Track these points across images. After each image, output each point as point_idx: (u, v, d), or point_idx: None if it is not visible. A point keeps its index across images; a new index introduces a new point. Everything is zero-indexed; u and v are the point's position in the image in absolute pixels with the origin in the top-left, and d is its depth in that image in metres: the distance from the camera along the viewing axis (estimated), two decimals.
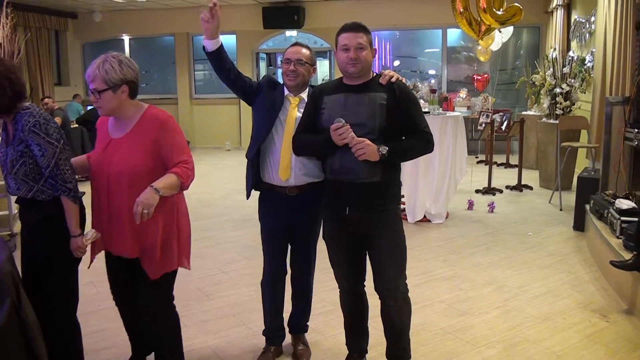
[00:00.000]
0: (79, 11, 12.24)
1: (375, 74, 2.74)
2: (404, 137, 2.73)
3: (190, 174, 2.56)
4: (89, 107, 9.95)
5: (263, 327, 3.30)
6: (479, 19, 6.93)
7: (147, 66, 13.06)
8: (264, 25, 11.52)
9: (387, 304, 2.81)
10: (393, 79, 2.72)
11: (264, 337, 3.29)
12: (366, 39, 2.64)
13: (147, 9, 11.96)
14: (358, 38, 2.61)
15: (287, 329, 3.33)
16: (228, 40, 12.32)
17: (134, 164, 2.51)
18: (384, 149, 2.56)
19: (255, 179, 3.06)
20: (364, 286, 2.94)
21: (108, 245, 2.71)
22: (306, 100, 2.98)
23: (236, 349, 3.34)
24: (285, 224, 3.08)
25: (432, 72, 11.98)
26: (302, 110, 2.94)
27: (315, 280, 3.29)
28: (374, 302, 2.93)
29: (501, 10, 6.76)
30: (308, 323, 3.36)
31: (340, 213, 2.72)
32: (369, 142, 2.54)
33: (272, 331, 3.26)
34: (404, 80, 2.84)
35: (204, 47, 2.90)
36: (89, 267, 2.77)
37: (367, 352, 3.08)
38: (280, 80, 3.13)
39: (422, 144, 2.71)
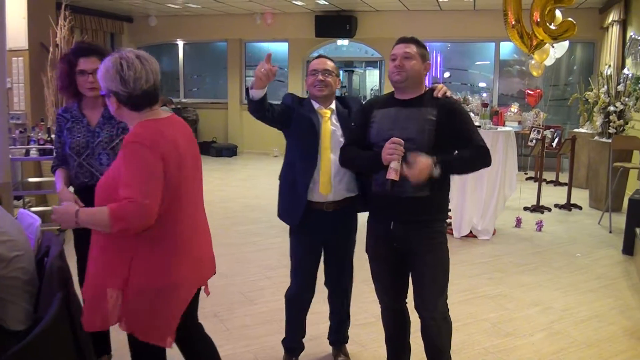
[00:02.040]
0: (135, 15, 12.62)
1: (427, 89, 2.74)
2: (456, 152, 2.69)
3: (130, 217, 1.98)
4: None
5: (311, 328, 3.35)
6: (531, 32, 6.84)
7: (200, 71, 13.35)
8: (316, 34, 11.62)
9: (426, 324, 2.79)
10: (448, 94, 2.72)
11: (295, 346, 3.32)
12: (416, 50, 2.64)
13: (201, 15, 12.23)
14: (406, 48, 2.63)
15: (327, 341, 3.37)
16: (280, 48, 12.50)
17: (101, 187, 2.18)
18: (437, 172, 2.48)
19: (298, 200, 2.99)
20: (406, 302, 2.93)
21: None
22: (336, 111, 3.03)
23: (277, 355, 3.36)
24: (321, 241, 3.09)
25: (482, 84, 11.87)
26: (336, 122, 2.98)
27: (357, 291, 3.31)
28: (415, 317, 2.90)
29: (554, 24, 6.66)
30: (348, 333, 3.38)
31: (385, 228, 2.71)
32: (421, 163, 2.45)
33: (293, 342, 3.28)
34: (452, 95, 2.83)
35: (247, 93, 2.84)
36: None
37: None
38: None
39: (478, 158, 2.65)
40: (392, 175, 2.46)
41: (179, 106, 12.06)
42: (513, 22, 6.44)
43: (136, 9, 11.81)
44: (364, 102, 2.98)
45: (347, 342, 3.39)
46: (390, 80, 2.71)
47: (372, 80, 16.36)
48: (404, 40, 2.67)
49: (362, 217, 2.97)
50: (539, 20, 6.51)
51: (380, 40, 11.65)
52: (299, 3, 10.67)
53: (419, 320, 2.84)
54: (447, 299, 2.80)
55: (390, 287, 2.87)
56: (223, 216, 6.91)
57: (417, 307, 2.78)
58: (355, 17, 11.50)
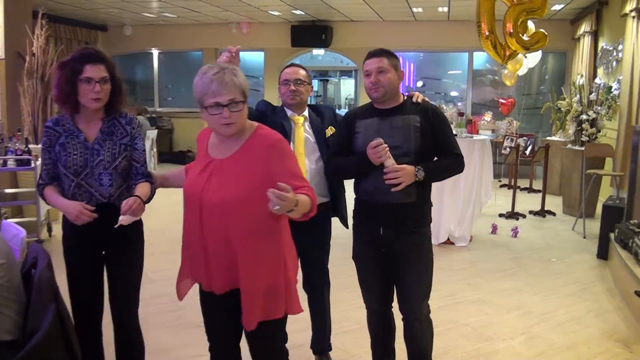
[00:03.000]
0: (110, 24, 12.52)
1: (405, 97, 2.81)
2: (436, 158, 2.79)
3: (315, 202, 2.19)
4: None
5: (295, 336, 3.34)
6: (504, 43, 6.98)
7: (175, 80, 13.29)
8: (292, 44, 11.68)
9: (410, 325, 2.84)
10: (426, 99, 2.81)
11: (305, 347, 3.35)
12: (388, 62, 2.69)
13: (176, 24, 12.20)
14: (378, 62, 2.67)
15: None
16: (256, 58, 12.54)
17: (240, 192, 2.13)
18: (421, 174, 2.61)
19: None
20: (392, 307, 2.97)
21: (203, 281, 2.31)
22: (309, 118, 3.10)
23: None
24: (297, 246, 3.13)
25: (454, 94, 12.06)
26: (309, 129, 3.06)
27: (339, 298, 3.34)
28: (398, 322, 2.96)
29: (526, 35, 6.81)
30: (331, 342, 3.39)
31: (374, 234, 2.76)
32: (407, 167, 2.58)
33: None
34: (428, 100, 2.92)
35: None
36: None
37: None
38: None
39: (455, 166, 2.80)
40: (393, 179, 2.57)
41: (153, 115, 11.98)
42: (486, 33, 6.56)
43: (111, 18, 11.73)
44: (346, 112, 3.03)
45: (330, 350, 3.40)
46: (368, 96, 2.77)
47: (346, 90, 16.50)
48: (375, 54, 2.71)
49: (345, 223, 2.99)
50: (511, 31, 6.65)
51: (356, 50, 11.75)
52: (275, 13, 10.72)
53: (401, 325, 2.89)
54: (429, 300, 2.86)
55: (378, 292, 2.91)
56: None
57: (402, 310, 2.83)
58: (331, 27, 11.60)
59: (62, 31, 11.05)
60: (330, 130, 3.13)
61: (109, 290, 2.73)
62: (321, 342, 3.36)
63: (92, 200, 2.55)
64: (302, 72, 3.11)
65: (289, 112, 3.11)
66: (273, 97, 12.15)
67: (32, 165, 5.54)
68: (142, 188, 2.59)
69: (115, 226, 2.36)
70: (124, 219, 2.37)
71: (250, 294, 2.16)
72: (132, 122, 2.68)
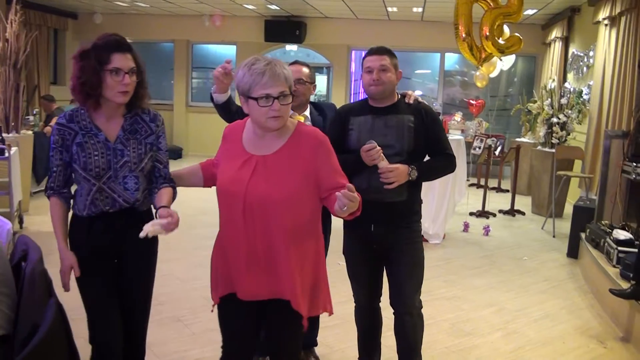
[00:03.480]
0: (80, 12, 12.24)
1: (400, 96, 2.86)
2: (427, 157, 2.85)
3: None
4: None
5: None
6: (480, 45, 7.12)
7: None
8: (265, 38, 11.64)
9: (402, 319, 2.89)
10: (419, 99, 2.86)
11: None
12: (390, 61, 2.74)
13: (148, 14, 12.01)
14: (381, 60, 2.72)
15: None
16: (228, 51, 12.45)
17: (289, 190, 2.11)
18: (415, 174, 2.67)
19: None
20: (380, 302, 3.02)
21: (239, 286, 2.20)
22: (310, 118, 3.09)
23: None
24: None
25: (418, 92, 12.18)
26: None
27: None
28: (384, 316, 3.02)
29: (502, 39, 6.96)
30: (317, 338, 3.43)
31: (365, 230, 2.80)
32: (401, 167, 2.63)
33: (260, 344, 3.32)
34: (423, 100, 2.96)
35: (211, 98, 2.86)
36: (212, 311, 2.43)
37: None
38: None
39: (447, 166, 2.87)
40: (388, 178, 2.62)
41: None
42: (464, 35, 6.67)
43: (82, 6, 11.47)
44: (340, 108, 3.04)
45: (316, 345, 3.43)
46: (367, 93, 2.81)
47: (319, 86, 16.53)
48: (377, 52, 2.76)
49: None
50: (487, 34, 6.79)
51: (329, 47, 11.81)
52: (250, 7, 10.67)
53: (386, 320, 2.96)
54: (420, 295, 2.91)
55: (367, 286, 2.96)
56: None
57: (394, 304, 2.88)
58: (305, 22, 11.59)
59: (32, 17, 10.74)
60: None
61: (122, 302, 2.46)
62: (307, 337, 3.37)
63: (114, 206, 2.32)
64: (305, 70, 3.07)
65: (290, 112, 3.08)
66: None
67: (6, 155, 5.41)
68: (167, 195, 2.37)
69: (141, 236, 2.14)
70: (152, 230, 2.15)
71: (297, 292, 2.14)
72: (157, 119, 2.45)
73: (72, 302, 2.32)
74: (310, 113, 3.11)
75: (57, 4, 11.23)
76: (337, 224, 3.20)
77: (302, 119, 3.04)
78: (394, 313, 2.91)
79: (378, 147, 2.60)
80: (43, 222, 6.43)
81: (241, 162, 2.16)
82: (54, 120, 7.97)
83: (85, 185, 2.29)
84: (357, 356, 3.15)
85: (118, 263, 2.43)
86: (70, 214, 2.38)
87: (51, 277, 2.28)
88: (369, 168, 2.67)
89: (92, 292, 2.36)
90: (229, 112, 2.90)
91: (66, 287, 2.28)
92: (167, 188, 2.40)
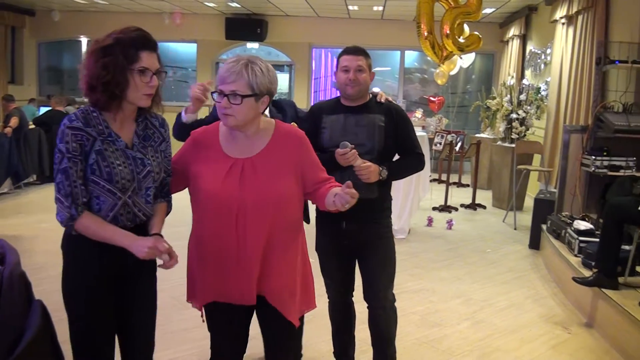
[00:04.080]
0: (38, 9, 11.92)
1: (371, 96, 2.91)
2: (398, 156, 2.92)
3: None
4: (43, 109, 9.73)
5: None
6: (441, 43, 7.25)
7: None
8: (226, 36, 11.57)
9: (376, 313, 2.95)
10: (389, 99, 2.92)
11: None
12: (365, 62, 2.79)
13: (107, 12, 11.78)
14: (358, 61, 2.76)
15: None
16: (189, 49, 12.34)
17: (282, 190, 2.12)
18: (385, 173, 2.72)
19: None
20: (353, 297, 3.07)
21: (227, 292, 2.16)
22: (270, 116, 3.10)
23: None
24: None
25: (376, 90, 12.29)
26: None
27: None
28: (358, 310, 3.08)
29: (462, 38, 7.11)
30: None
31: (337, 227, 2.84)
32: (372, 166, 2.68)
33: None
34: (392, 100, 3.03)
35: (178, 118, 2.74)
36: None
37: None
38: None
39: (416, 164, 2.94)
40: (363, 175, 2.66)
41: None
42: (426, 34, 6.79)
43: (39, 2, 11.19)
44: (313, 106, 3.07)
45: None
46: (342, 92, 2.85)
47: (280, 85, 16.52)
48: (354, 52, 2.79)
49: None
50: (448, 32, 6.92)
51: (290, 45, 11.82)
52: (211, 4, 10.59)
53: (359, 314, 3.02)
54: (393, 288, 2.98)
55: (340, 282, 3.00)
56: None
57: (368, 298, 2.94)
58: (266, 20, 11.57)
59: None
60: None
61: (126, 336, 2.22)
62: None
63: (134, 222, 2.08)
64: None
65: None
66: None
67: None
68: (161, 215, 2.19)
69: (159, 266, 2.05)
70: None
71: (292, 291, 2.19)
72: (165, 123, 2.23)
73: (54, 303, 2.29)
74: (270, 111, 3.12)
75: (14, 0, 10.92)
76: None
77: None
78: (367, 307, 2.96)
79: (353, 150, 2.63)
80: (3, 226, 6.30)
81: (227, 166, 2.11)
82: (12, 121, 7.78)
83: (108, 200, 2.00)
84: (332, 350, 3.19)
85: (121, 291, 2.16)
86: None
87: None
88: (342, 167, 2.70)
89: (93, 331, 2.09)
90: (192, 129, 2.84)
91: (172, 260, 2.02)
92: (162, 204, 2.21)
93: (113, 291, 2.11)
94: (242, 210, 2.06)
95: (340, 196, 2.06)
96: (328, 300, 3.08)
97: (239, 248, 2.08)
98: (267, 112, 3.08)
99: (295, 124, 3.14)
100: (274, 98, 3.14)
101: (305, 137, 2.27)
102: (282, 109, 3.17)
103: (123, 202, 2.03)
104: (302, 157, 2.21)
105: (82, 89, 2.02)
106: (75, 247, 2.05)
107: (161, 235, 2.09)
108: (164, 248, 1.97)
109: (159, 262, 2.03)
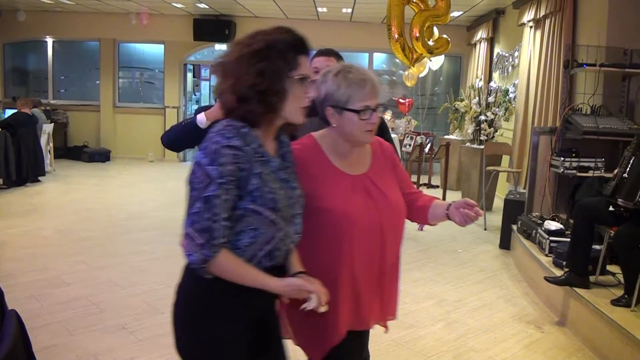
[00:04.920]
0: (3, 9, 11.61)
1: None
2: None
3: None
4: (9, 112, 9.48)
5: None
6: (411, 46, 7.31)
7: (68, 71, 12.61)
8: (194, 37, 11.48)
9: None
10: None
11: None
12: (337, 63, 2.79)
13: (73, 12, 11.56)
14: (328, 62, 2.72)
15: None
16: (156, 50, 12.21)
17: (402, 204, 2.04)
18: None
19: None
20: None
21: (363, 319, 1.99)
22: None
23: None
24: None
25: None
26: None
27: None
28: None
29: (431, 40, 7.18)
30: None
31: None
32: None
33: None
34: None
35: (195, 123, 2.57)
36: None
37: None
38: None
39: None
40: None
41: (48, 108, 11.29)
42: (396, 36, 6.83)
43: (4, 2, 10.91)
44: None
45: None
46: None
47: None
48: (325, 53, 2.77)
49: None
50: (417, 35, 6.98)
51: None
52: (179, 5, 10.48)
53: None
54: None
55: None
56: (108, 225, 6.62)
57: None
58: (235, 22, 11.51)
59: None
60: None
61: None
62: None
63: (285, 258, 1.76)
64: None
65: None
66: (174, 91, 12.03)
67: None
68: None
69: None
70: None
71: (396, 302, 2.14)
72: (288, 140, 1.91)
73: (26, 312, 2.23)
74: None
75: None
76: None
77: None
78: None
79: None
80: None
81: (348, 184, 1.94)
82: None
83: (267, 232, 1.65)
84: None
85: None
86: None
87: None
88: None
89: None
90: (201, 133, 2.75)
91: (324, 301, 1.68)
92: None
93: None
94: (380, 229, 1.92)
95: (466, 215, 1.96)
96: None
97: (380, 268, 1.97)
98: None
99: None
100: None
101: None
102: None
103: (285, 234, 1.69)
104: (397, 166, 2.11)
105: (223, 99, 1.69)
106: (210, 294, 1.67)
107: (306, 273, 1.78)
108: (315, 289, 1.65)
109: (310, 304, 1.65)
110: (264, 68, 1.63)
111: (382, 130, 2.90)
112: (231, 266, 1.61)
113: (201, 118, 2.55)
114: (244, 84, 1.62)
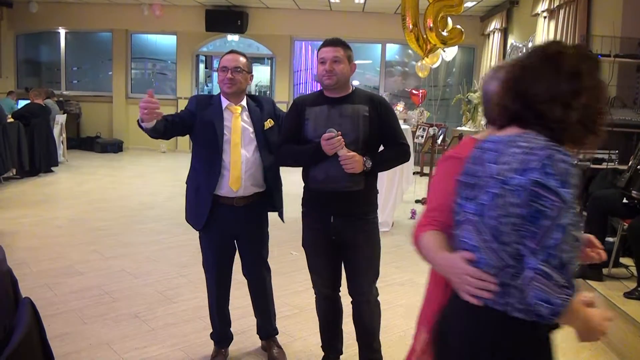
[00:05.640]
0: (14, 0, 11.71)
1: (354, 88, 2.89)
2: (382, 147, 2.90)
3: None
4: (22, 102, 9.56)
5: (235, 323, 3.40)
6: (425, 36, 7.26)
7: (82, 62, 12.68)
8: (206, 28, 11.49)
9: (360, 308, 2.96)
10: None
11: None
12: (343, 53, 2.77)
13: (86, 3, 11.63)
14: (334, 52, 2.75)
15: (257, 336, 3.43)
16: (168, 41, 12.22)
17: None
18: (369, 163, 2.71)
19: (203, 205, 3.04)
20: (340, 291, 3.07)
21: None
22: (248, 108, 3.09)
23: (207, 352, 3.36)
24: (231, 235, 3.15)
25: (356, 83, 12.34)
26: (247, 119, 3.04)
27: (277, 284, 3.37)
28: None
29: (445, 31, 7.13)
30: (276, 326, 3.44)
31: (325, 221, 2.84)
32: (357, 156, 2.68)
33: (220, 334, 3.33)
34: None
35: (139, 122, 2.75)
36: None
37: (342, 353, 3.20)
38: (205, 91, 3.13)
39: (401, 155, 2.93)
40: (347, 165, 2.65)
41: (61, 99, 11.38)
42: (411, 27, 6.79)
43: None
44: (295, 99, 3.05)
45: (277, 334, 3.45)
46: (321, 83, 2.83)
47: (257, 77, 16.43)
48: (331, 43, 2.79)
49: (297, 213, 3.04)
50: (431, 26, 6.94)
51: (271, 37, 11.75)
52: None
53: (346, 307, 3.02)
54: (376, 283, 2.99)
55: (327, 277, 2.99)
56: (121, 215, 6.67)
57: (353, 293, 2.95)
58: (247, 12, 11.50)
59: None
60: (269, 123, 3.10)
61: None
62: (267, 327, 3.40)
63: None
64: (242, 59, 3.03)
65: (225, 103, 3.04)
66: (186, 83, 12.03)
67: None
68: None
69: None
70: None
71: None
72: None
73: (40, 300, 2.26)
74: (247, 103, 3.10)
75: None
76: (292, 214, 3.23)
77: (239, 109, 3.03)
78: (351, 302, 2.97)
79: (340, 137, 2.64)
80: None
81: None
82: None
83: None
84: (319, 343, 3.19)
85: None
86: None
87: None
88: (327, 158, 2.70)
89: None
90: (160, 132, 2.84)
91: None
92: None
93: None
94: None
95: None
96: (315, 295, 3.08)
97: None
98: (244, 102, 3.07)
99: (272, 121, 3.12)
100: (252, 94, 3.16)
101: None
102: (260, 104, 3.15)
103: None
104: None
105: (548, 115, 1.45)
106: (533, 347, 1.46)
107: None
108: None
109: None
110: (537, 72, 1.48)
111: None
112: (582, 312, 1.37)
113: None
114: (554, 98, 1.46)
